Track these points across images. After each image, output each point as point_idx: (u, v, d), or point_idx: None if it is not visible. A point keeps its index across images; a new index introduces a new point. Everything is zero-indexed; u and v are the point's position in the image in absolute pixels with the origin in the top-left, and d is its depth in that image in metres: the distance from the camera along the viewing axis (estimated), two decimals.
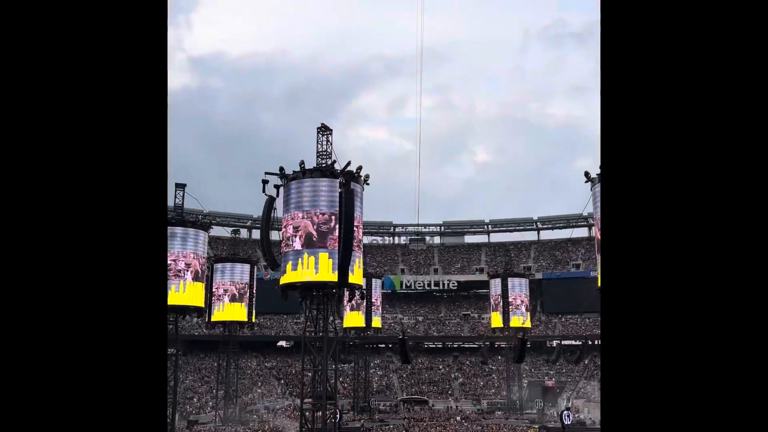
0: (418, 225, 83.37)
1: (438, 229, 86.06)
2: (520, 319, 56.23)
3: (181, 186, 36.75)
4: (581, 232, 78.39)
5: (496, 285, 58.21)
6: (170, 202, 38.02)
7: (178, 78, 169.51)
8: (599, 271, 28.78)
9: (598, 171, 28.26)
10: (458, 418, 49.89)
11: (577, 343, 54.71)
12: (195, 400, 53.22)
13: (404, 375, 66.77)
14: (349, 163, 27.13)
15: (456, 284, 76.22)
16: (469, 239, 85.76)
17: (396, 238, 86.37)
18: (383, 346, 70.89)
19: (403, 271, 78.54)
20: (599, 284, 29.01)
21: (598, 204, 28.47)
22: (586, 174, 28.77)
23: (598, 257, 28.94)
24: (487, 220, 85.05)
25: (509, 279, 57.10)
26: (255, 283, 50.20)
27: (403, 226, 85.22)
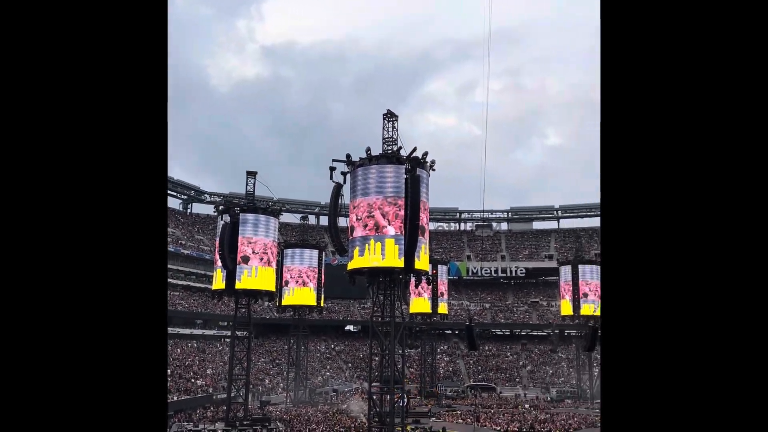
0: (484, 211, 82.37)
1: (505, 215, 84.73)
2: (590, 307, 54.71)
3: (252, 174, 37.84)
4: None
5: (566, 272, 56.83)
6: (242, 189, 39.28)
7: (251, 68, 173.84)
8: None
9: None
10: (527, 406, 49.28)
11: None
12: (266, 381, 55.16)
13: (471, 361, 66.51)
14: (414, 149, 27.12)
15: (524, 271, 74.96)
16: (537, 225, 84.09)
17: (462, 224, 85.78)
18: (450, 332, 70.81)
19: (469, 257, 77.95)
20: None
21: None
22: None
23: None
24: (556, 206, 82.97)
25: (580, 266, 55.60)
26: (323, 268, 51.21)
27: (469, 212, 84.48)
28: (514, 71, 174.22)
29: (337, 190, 28.43)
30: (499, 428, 38.54)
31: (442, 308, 55.94)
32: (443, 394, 54.48)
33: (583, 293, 54.60)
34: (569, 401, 55.24)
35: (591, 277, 55.51)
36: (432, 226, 77.50)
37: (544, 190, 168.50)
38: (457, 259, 76.47)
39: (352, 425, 35.15)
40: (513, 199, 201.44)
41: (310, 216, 77.54)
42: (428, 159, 27.73)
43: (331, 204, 29.32)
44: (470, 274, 75.88)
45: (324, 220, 74.49)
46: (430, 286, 52.47)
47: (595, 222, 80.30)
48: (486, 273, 75.69)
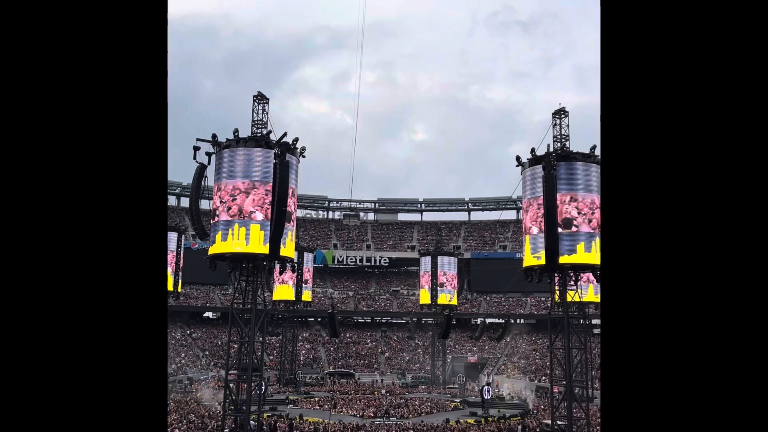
0: (352, 200, 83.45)
1: (372, 206, 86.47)
2: (447, 297, 57.66)
3: None
4: (510, 215, 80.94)
5: (426, 263, 59.31)
6: None
7: None
8: (525, 252, 29.83)
9: (530, 156, 29.14)
10: (383, 391, 50.90)
11: (500, 321, 56.74)
12: None
13: (332, 348, 67.27)
14: (285, 134, 26.69)
15: (387, 261, 77.10)
16: (402, 217, 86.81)
17: (330, 212, 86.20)
18: (312, 319, 71.02)
19: (335, 246, 78.59)
20: (522, 265, 30.14)
21: (528, 188, 29.41)
22: (518, 158, 29.57)
23: (525, 239, 29.96)
24: (420, 199, 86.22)
25: (439, 257, 58.30)
26: (182, 252, 48.89)
27: (337, 201, 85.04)
28: (387, 64, 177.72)
29: (201, 171, 27.19)
30: (355, 413, 39.42)
31: (306, 296, 55.91)
32: (302, 381, 54.63)
33: (440, 283, 57.34)
34: (423, 386, 57.90)
35: (449, 268, 58.47)
36: (300, 213, 77.03)
37: (409, 184, 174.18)
38: (324, 248, 76.79)
39: (206, 413, 34.08)
40: (380, 190, 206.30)
41: (170, 197, 73.52)
42: (298, 145, 27.44)
43: (193, 185, 27.96)
44: (336, 262, 76.57)
45: (185, 202, 70.98)
46: (295, 274, 52.19)
47: (455, 216, 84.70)
48: (351, 261, 76.80)
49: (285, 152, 26.26)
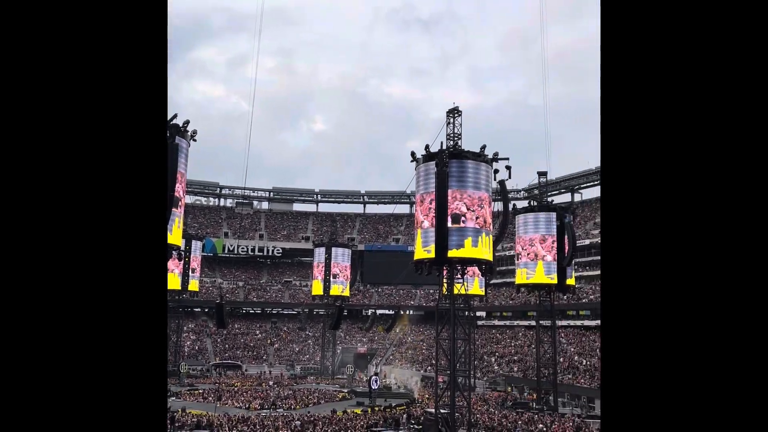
0: (246, 188, 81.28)
1: (267, 195, 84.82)
2: (339, 288, 57.94)
3: None
4: (404, 209, 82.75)
5: (320, 253, 59.19)
6: None
7: None
8: (417, 245, 30.59)
9: (424, 152, 29.88)
10: (270, 383, 50.27)
11: (390, 312, 57.93)
12: None
13: (219, 340, 65.37)
14: (175, 116, 25.45)
15: (281, 251, 76.03)
16: (297, 207, 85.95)
17: (222, 200, 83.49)
18: (199, 309, 68.59)
19: (226, 234, 76.29)
20: (413, 258, 30.92)
21: (421, 183, 30.16)
22: (413, 154, 30.25)
23: (417, 232, 30.74)
24: (317, 190, 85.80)
25: (333, 248, 58.41)
26: None
27: (230, 188, 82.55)
28: (288, 51, 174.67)
29: None
30: (240, 405, 38.62)
31: (193, 285, 53.91)
32: (186, 373, 52.69)
33: (333, 274, 57.49)
34: (312, 377, 57.87)
35: (342, 259, 58.74)
36: (189, 199, 73.91)
37: (306, 174, 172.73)
38: (214, 236, 74.29)
39: None
40: (276, 179, 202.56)
41: None
42: (189, 128, 26.29)
43: None
44: (226, 251, 74.37)
45: None
46: (182, 262, 50.09)
47: (351, 208, 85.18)
48: (243, 251, 74.93)
49: (174, 134, 25.06)
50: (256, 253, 75.68)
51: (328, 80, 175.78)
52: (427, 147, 29.44)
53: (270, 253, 76.02)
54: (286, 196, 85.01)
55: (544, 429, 30.39)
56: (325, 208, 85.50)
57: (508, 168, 30.20)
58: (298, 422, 30.22)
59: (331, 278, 57.19)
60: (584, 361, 45.98)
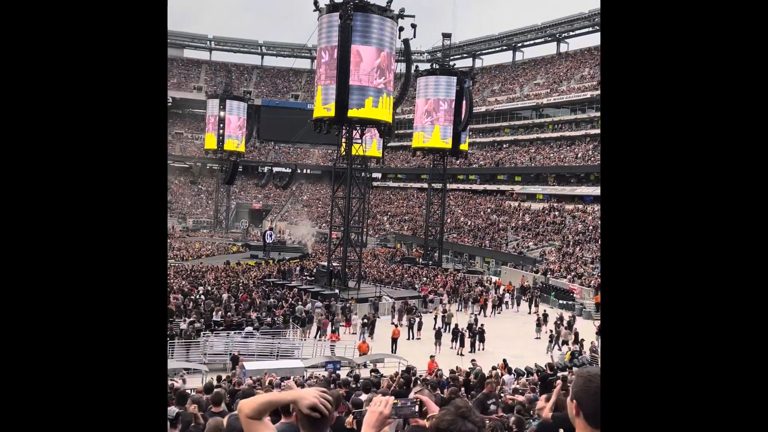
0: None
1: None
2: (234, 143, 56.31)
3: None
4: (304, 63, 79.38)
5: (213, 106, 56.40)
6: None
7: None
8: (316, 102, 29.76)
9: (327, 1, 28.08)
10: None
11: (287, 170, 57.50)
12: None
13: None
14: None
15: (171, 100, 71.41)
16: (188, 54, 79.79)
17: None
18: None
19: None
20: (312, 116, 30.27)
21: (323, 36, 28.68)
22: (315, 3, 28.34)
23: (317, 88, 29.79)
24: (210, 36, 79.64)
25: (228, 101, 55.76)
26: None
27: None
28: None
29: None
30: None
31: None
32: None
33: (228, 129, 55.45)
34: (205, 230, 57.72)
35: (237, 113, 56.48)
36: None
37: (198, 19, 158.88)
38: None
39: None
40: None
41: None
42: None
43: None
44: None
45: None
46: None
47: (247, 59, 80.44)
48: None
49: None
50: None
51: None
52: None
53: None
54: (176, 41, 78.18)
55: (427, 281, 32.89)
56: (219, 57, 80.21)
57: (414, 26, 29.35)
58: (190, 272, 30.43)
59: (226, 132, 55.18)
60: (469, 222, 49.13)
